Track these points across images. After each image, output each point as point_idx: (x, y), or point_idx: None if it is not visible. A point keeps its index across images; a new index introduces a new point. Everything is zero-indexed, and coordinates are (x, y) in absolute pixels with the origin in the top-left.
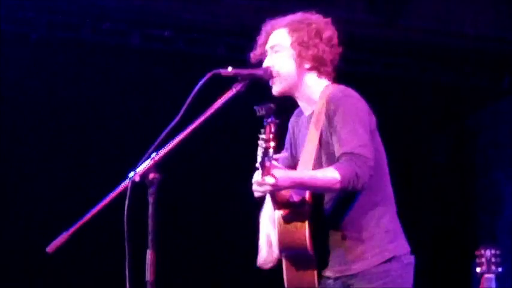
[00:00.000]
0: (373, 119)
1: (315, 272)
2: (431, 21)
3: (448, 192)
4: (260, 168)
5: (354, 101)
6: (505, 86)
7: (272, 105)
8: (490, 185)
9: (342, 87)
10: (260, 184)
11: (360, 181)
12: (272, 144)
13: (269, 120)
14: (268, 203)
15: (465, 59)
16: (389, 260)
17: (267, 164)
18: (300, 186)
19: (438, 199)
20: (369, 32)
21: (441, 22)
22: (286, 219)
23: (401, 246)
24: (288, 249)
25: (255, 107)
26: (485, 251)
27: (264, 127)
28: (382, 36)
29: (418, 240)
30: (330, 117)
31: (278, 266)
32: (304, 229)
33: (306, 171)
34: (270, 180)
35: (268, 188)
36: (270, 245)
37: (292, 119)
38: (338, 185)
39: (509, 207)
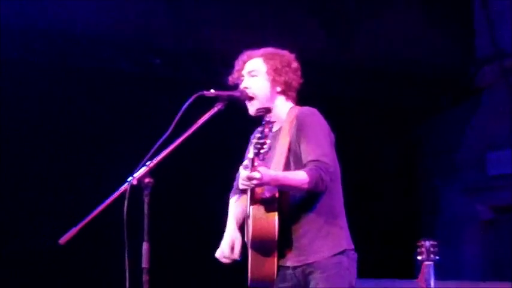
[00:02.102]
0: (332, 136)
1: (275, 261)
2: (381, 46)
3: (396, 195)
4: (249, 164)
5: (318, 119)
6: (443, 103)
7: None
8: (429, 189)
9: (307, 107)
10: (249, 178)
11: (323, 183)
12: (268, 141)
13: (268, 119)
14: (237, 205)
15: (409, 80)
16: (341, 253)
17: (256, 160)
18: (277, 183)
19: (387, 200)
20: (326, 58)
21: (386, 47)
22: (259, 212)
23: (350, 243)
24: (258, 237)
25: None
26: (425, 242)
27: (262, 126)
28: (338, 61)
29: (370, 234)
30: (298, 131)
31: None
32: (273, 219)
33: (282, 172)
34: (256, 175)
35: (254, 182)
36: (232, 247)
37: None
38: (306, 186)
39: (446, 208)
